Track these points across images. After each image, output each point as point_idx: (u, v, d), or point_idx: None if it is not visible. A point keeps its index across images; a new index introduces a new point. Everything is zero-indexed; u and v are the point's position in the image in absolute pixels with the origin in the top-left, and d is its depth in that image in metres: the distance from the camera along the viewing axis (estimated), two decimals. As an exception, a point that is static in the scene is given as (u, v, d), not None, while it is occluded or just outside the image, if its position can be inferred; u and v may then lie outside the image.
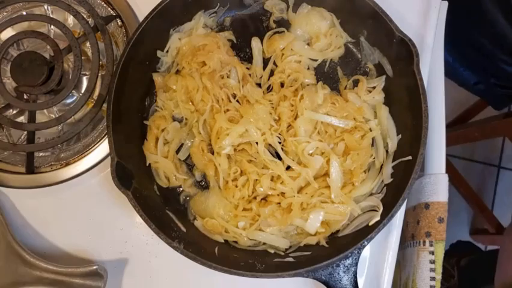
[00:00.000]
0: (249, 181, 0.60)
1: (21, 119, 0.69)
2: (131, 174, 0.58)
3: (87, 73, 0.68)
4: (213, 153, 0.61)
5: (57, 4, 0.66)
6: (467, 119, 1.38)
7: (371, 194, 0.60)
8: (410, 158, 0.56)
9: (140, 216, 0.55)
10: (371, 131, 0.61)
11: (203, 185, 0.63)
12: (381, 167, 0.60)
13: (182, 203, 0.63)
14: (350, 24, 0.65)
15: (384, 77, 0.63)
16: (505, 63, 0.93)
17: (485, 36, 0.92)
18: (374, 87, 0.63)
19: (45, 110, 0.68)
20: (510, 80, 0.96)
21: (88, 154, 0.65)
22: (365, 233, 0.55)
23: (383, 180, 0.59)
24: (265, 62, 0.66)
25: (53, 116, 0.68)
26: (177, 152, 0.63)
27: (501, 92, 1.03)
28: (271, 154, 0.61)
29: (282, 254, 0.59)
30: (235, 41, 0.67)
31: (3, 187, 0.65)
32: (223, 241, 0.60)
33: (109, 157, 0.57)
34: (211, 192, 0.61)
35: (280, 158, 0.60)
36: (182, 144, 0.63)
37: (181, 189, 0.63)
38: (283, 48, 0.65)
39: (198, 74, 0.62)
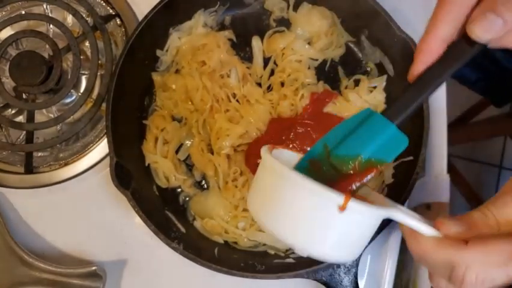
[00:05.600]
0: (249, 181, 0.60)
1: (20, 118, 0.69)
2: (130, 175, 0.58)
3: (86, 72, 0.67)
4: (212, 153, 0.61)
5: (56, 3, 0.66)
6: (469, 119, 1.38)
7: (372, 195, 0.59)
8: (411, 158, 0.56)
9: (140, 216, 0.55)
10: (372, 131, 0.61)
11: (203, 185, 0.63)
12: (382, 167, 0.60)
13: (181, 203, 0.63)
14: (350, 23, 0.64)
15: (385, 76, 0.62)
16: (505, 60, 0.93)
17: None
18: (375, 87, 0.63)
19: (44, 110, 0.67)
20: (511, 77, 0.96)
21: (87, 154, 0.65)
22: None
23: (384, 181, 0.59)
24: (266, 61, 0.65)
25: (52, 116, 0.68)
26: (177, 152, 0.63)
27: (502, 90, 1.03)
28: (272, 154, 0.60)
29: (283, 255, 0.59)
30: (235, 40, 0.66)
31: (2, 187, 0.64)
32: (222, 242, 0.60)
33: (108, 157, 0.57)
34: (211, 192, 0.61)
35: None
36: (181, 144, 0.63)
37: (180, 189, 0.63)
38: (284, 48, 0.64)
39: (198, 73, 0.62)
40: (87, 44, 0.67)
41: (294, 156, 0.45)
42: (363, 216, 0.36)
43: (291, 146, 0.59)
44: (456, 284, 0.32)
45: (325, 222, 0.35)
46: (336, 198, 0.33)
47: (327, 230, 0.35)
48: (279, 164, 0.37)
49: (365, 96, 0.62)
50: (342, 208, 0.34)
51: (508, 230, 0.32)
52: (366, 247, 0.39)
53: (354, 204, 0.34)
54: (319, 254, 0.37)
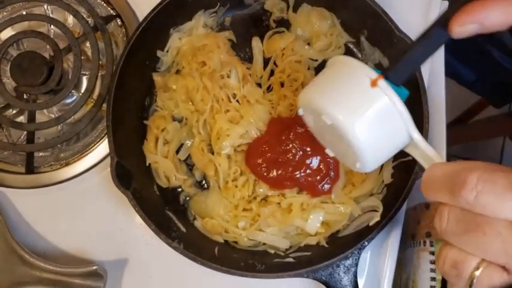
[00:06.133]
0: (249, 181, 0.60)
1: (21, 118, 0.69)
2: (131, 174, 0.58)
3: (87, 73, 0.68)
4: (213, 153, 0.61)
5: (57, 4, 0.66)
6: (468, 119, 1.38)
7: (371, 194, 0.59)
8: (410, 158, 0.56)
9: (140, 216, 0.55)
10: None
11: (203, 185, 0.63)
12: (381, 167, 0.60)
13: (182, 203, 0.63)
14: (350, 24, 0.64)
15: (384, 77, 0.63)
16: (504, 61, 0.93)
17: (484, 36, 0.92)
18: (374, 87, 0.63)
19: (45, 110, 0.68)
20: (509, 77, 0.96)
21: (87, 154, 0.65)
22: (365, 234, 0.55)
23: (383, 181, 0.59)
24: (266, 61, 0.65)
25: (53, 116, 0.68)
26: (177, 152, 0.63)
27: (501, 90, 1.03)
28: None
29: (282, 254, 0.59)
30: (235, 41, 0.67)
31: (3, 187, 0.65)
32: (223, 241, 0.60)
33: (109, 157, 0.57)
34: (211, 192, 0.61)
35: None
36: (182, 144, 0.63)
37: (181, 189, 0.63)
38: (284, 48, 0.64)
39: (198, 73, 0.62)
40: (88, 44, 0.67)
41: None
42: (391, 105, 0.39)
43: (290, 145, 0.59)
44: (456, 188, 0.31)
45: (359, 95, 0.39)
46: (371, 72, 0.39)
47: (361, 103, 0.39)
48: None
49: (364, 97, 0.62)
50: (373, 83, 0.38)
51: None
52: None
53: (383, 83, 0.38)
54: (349, 128, 0.39)
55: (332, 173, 0.59)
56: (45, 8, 0.70)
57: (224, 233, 0.60)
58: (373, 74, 0.39)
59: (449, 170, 0.33)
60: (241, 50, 0.66)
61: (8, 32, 0.66)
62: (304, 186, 0.59)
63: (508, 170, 0.30)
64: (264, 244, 0.60)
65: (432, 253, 0.60)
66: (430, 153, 0.41)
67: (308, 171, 0.58)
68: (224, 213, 0.60)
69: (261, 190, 0.60)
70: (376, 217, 0.56)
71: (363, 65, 0.40)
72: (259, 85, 0.64)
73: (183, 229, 0.60)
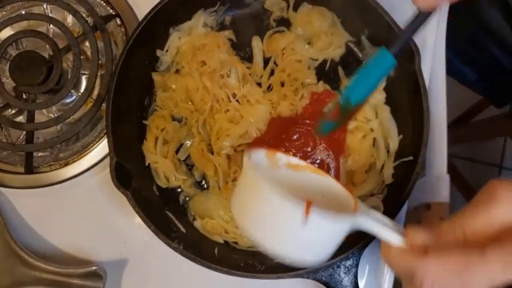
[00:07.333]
0: (249, 181, 0.60)
1: (20, 118, 0.69)
2: (130, 174, 0.58)
3: (86, 72, 0.67)
4: (212, 153, 0.61)
5: (56, 3, 0.66)
6: (469, 119, 1.38)
7: (372, 195, 0.59)
8: (411, 158, 0.56)
9: (140, 216, 0.55)
10: (372, 131, 0.61)
11: (203, 185, 0.63)
12: (382, 167, 0.60)
13: (181, 203, 0.63)
14: (350, 23, 0.64)
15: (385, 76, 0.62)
16: (506, 60, 0.93)
17: (485, 35, 0.91)
18: (375, 87, 0.63)
19: (44, 110, 0.68)
20: (511, 77, 0.96)
21: (87, 154, 0.65)
22: (366, 234, 0.55)
23: (384, 181, 0.59)
24: (266, 61, 0.65)
25: (52, 116, 0.68)
26: (177, 152, 0.63)
27: (502, 90, 1.03)
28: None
29: (283, 254, 0.59)
30: (235, 40, 0.66)
31: (2, 187, 0.65)
32: (223, 242, 0.60)
33: (108, 157, 0.57)
34: (211, 192, 0.61)
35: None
36: (182, 144, 0.63)
37: (180, 189, 0.63)
38: (284, 48, 0.64)
39: (198, 73, 0.62)
40: (87, 44, 0.67)
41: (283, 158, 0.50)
42: (328, 223, 0.39)
43: (290, 146, 0.59)
44: (416, 285, 0.34)
45: (292, 228, 0.39)
46: (300, 208, 0.37)
47: (295, 234, 0.39)
48: (256, 172, 0.41)
49: (365, 96, 0.62)
50: (306, 213, 0.38)
51: (473, 239, 0.34)
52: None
53: (316, 211, 0.38)
54: (286, 253, 0.40)
55: (332, 173, 0.58)
56: (45, 7, 0.69)
57: (224, 234, 0.60)
58: (301, 207, 0.38)
59: (405, 265, 0.36)
60: (241, 49, 0.66)
61: (7, 32, 0.66)
62: None
63: (458, 269, 0.32)
64: (264, 244, 0.60)
65: (433, 253, 0.60)
66: (389, 237, 0.39)
67: None
68: (224, 213, 0.60)
69: (261, 190, 0.60)
70: (377, 217, 0.56)
71: (290, 200, 0.38)
72: (259, 85, 0.64)
73: (183, 229, 0.60)
